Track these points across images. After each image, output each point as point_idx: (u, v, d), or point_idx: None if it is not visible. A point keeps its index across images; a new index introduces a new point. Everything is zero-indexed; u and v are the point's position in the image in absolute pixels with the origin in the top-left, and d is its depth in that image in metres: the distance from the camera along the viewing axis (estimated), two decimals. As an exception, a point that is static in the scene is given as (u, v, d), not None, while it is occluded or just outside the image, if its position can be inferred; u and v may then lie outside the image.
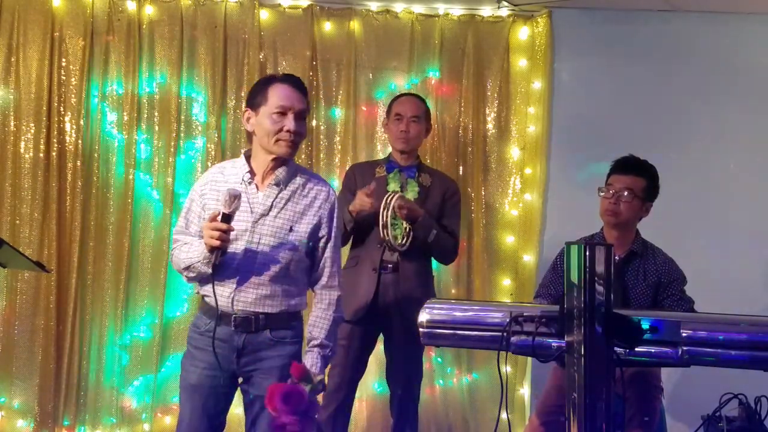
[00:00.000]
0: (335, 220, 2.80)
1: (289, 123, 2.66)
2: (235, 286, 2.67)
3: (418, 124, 3.73)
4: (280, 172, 2.73)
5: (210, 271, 2.60)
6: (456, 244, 3.79)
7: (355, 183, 3.72)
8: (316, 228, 2.76)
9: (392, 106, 3.81)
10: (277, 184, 2.72)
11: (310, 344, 2.74)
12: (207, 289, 2.69)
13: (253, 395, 2.71)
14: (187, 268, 2.70)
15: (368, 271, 3.63)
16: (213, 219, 2.55)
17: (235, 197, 2.51)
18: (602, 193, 3.24)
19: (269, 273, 2.67)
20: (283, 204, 2.72)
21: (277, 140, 2.67)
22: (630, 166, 3.24)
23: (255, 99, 2.71)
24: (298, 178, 2.77)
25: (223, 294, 2.66)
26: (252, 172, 2.73)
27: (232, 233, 2.58)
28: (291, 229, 2.71)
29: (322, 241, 2.78)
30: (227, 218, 2.53)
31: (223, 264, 2.63)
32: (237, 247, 2.65)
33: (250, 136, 2.79)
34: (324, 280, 2.80)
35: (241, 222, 2.65)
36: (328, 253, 2.79)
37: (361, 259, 3.66)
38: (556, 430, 3.11)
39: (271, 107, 2.67)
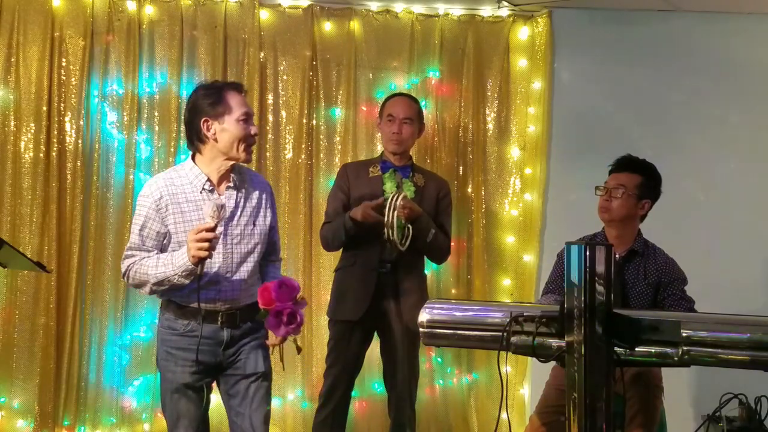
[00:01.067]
0: (274, 204, 3.04)
1: (254, 128, 2.82)
2: (219, 287, 2.80)
3: (411, 126, 3.73)
4: (234, 175, 2.87)
5: (187, 281, 2.70)
6: (450, 244, 3.81)
7: (347, 182, 3.72)
8: (269, 218, 2.97)
9: (385, 106, 3.80)
10: (234, 187, 2.86)
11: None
12: (181, 296, 2.80)
13: (243, 374, 2.86)
14: (159, 283, 2.74)
15: (366, 270, 3.63)
16: (199, 231, 2.61)
17: (222, 207, 2.65)
18: (599, 192, 3.26)
19: (246, 269, 2.86)
20: (243, 203, 2.88)
21: (246, 146, 2.80)
22: (624, 165, 3.27)
23: (214, 109, 2.76)
24: (244, 178, 2.92)
25: (208, 296, 2.77)
26: (209, 180, 2.82)
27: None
28: (254, 224, 2.89)
29: (272, 228, 3.00)
30: (212, 228, 2.62)
31: (206, 269, 2.73)
32: (215, 253, 2.73)
33: (198, 142, 2.80)
34: (274, 256, 3.07)
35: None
36: (275, 236, 3.05)
37: (359, 258, 3.66)
38: (556, 430, 3.11)
39: (236, 114, 2.77)
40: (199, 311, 2.75)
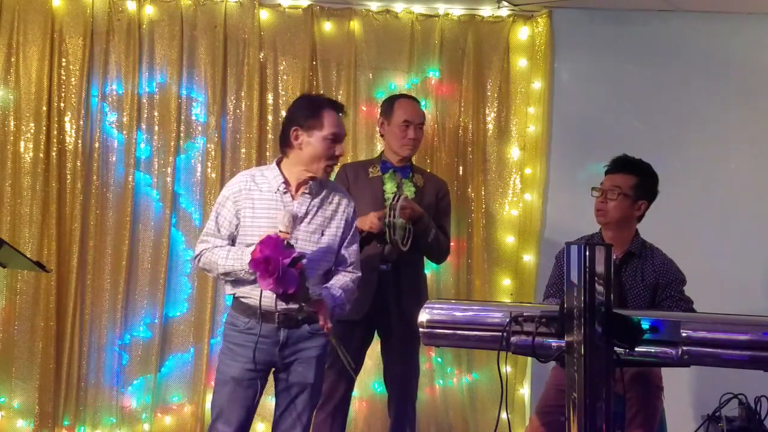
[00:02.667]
0: (355, 223, 3.12)
1: (339, 149, 2.95)
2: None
3: (422, 131, 3.78)
4: (315, 185, 2.99)
5: (253, 278, 2.80)
6: (449, 244, 3.82)
7: (347, 183, 3.72)
8: (342, 232, 3.04)
9: (395, 109, 3.76)
10: (309, 194, 2.97)
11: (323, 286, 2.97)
12: (245, 290, 2.92)
13: (291, 382, 2.98)
14: (226, 273, 2.91)
15: (367, 270, 3.62)
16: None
17: (295, 218, 2.78)
18: (595, 194, 3.25)
19: (310, 273, 2.88)
20: (315, 211, 2.98)
21: (327, 165, 2.93)
22: (619, 165, 3.25)
23: (307, 121, 2.90)
24: (324, 189, 3.03)
25: (266, 295, 2.83)
26: (286, 182, 2.95)
27: None
28: (322, 234, 2.98)
29: (346, 242, 3.07)
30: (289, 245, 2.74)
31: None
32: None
33: (286, 147, 2.95)
34: (349, 267, 3.10)
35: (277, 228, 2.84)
36: (352, 249, 3.10)
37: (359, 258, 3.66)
38: (556, 430, 3.11)
39: (325, 132, 2.90)
40: (259, 310, 2.84)
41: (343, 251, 3.07)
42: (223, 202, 2.97)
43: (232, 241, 2.97)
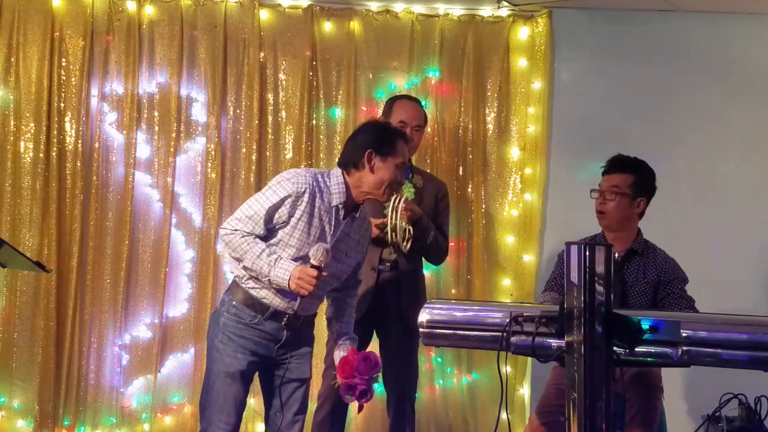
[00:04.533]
0: (367, 247, 3.20)
1: (402, 176, 3.05)
2: (293, 294, 2.87)
3: (420, 133, 3.75)
4: (362, 208, 3.07)
5: (276, 288, 2.89)
6: (447, 245, 3.82)
7: None
8: (362, 257, 3.16)
9: (394, 109, 3.76)
10: (356, 218, 3.04)
11: (343, 338, 3.13)
12: (264, 293, 2.94)
13: (289, 378, 3.01)
14: (251, 270, 2.89)
15: (365, 270, 3.62)
16: (306, 272, 2.79)
17: (327, 252, 2.82)
18: (594, 196, 3.27)
19: (324, 287, 2.99)
20: (352, 234, 3.05)
21: (390, 190, 3.00)
22: (615, 165, 3.27)
23: (383, 147, 2.95)
24: (362, 213, 3.11)
25: (283, 296, 2.92)
26: (346, 201, 2.97)
27: (307, 249, 2.87)
28: (347, 255, 3.04)
29: (359, 264, 3.16)
30: (317, 268, 2.80)
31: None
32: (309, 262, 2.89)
33: (353, 167, 2.96)
34: (355, 290, 3.21)
35: (322, 241, 2.92)
36: (360, 273, 3.21)
37: None
38: (556, 430, 3.11)
39: (397, 160, 2.96)
40: (269, 307, 2.91)
41: (360, 272, 3.21)
42: (283, 195, 2.87)
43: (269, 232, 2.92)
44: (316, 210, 2.90)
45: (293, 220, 2.88)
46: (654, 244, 3.28)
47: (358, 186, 2.96)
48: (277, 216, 2.88)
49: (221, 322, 2.98)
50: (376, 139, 2.97)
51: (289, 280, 2.80)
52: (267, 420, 3.11)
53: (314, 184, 2.91)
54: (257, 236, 2.88)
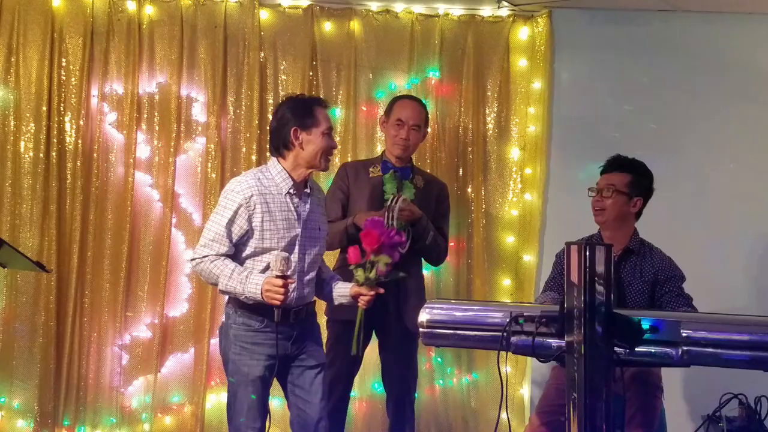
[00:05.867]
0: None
1: (333, 141, 3.08)
2: (295, 285, 2.99)
3: (418, 133, 3.73)
4: (311, 182, 3.11)
5: (251, 301, 2.94)
6: (447, 246, 3.82)
7: (347, 182, 3.72)
8: (326, 224, 3.22)
9: (394, 108, 3.77)
10: (310, 193, 3.09)
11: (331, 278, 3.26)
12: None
13: (308, 365, 3.10)
14: (226, 292, 2.99)
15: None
16: (272, 283, 2.85)
17: (287, 260, 2.89)
18: (591, 194, 3.29)
19: (314, 269, 3.11)
20: (314, 209, 3.10)
21: (327, 158, 3.04)
22: (613, 165, 3.30)
23: (304, 120, 2.99)
24: (313, 185, 3.16)
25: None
26: (294, 184, 3.02)
27: (287, 241, 2.97)
28: (319, 229, 3.12)
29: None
30: (284, 276, 2.86)
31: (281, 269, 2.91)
32: (293, 252, 3.00)
33: (284, 149, 3.01)
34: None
35: (292, 229, 3.00)
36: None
37: None
38: (557, 430, 3.11)
39: (322, 127, 3.00)
40: (273, 313, 2.90)
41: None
42: (233, 208, 2.94)
43: (238, 247, 2.99)
44: (271, 205, 2.97)
45: (256, 224, 2.94)
46: (650, 243, 3.30)
47: (296, 165, 3.02)
48: (237, 229, 2.95)
49: (231, 335, 3.02)
50: (294, 115, 3.02)
51: (260, 293, 2.87)
52: (292, 415, 3.14)
53: (256, 183, 2.98)
54: (227, 255, 2.97)
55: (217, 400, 4.39)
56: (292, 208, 3.00)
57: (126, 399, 4.37)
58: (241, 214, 2.94)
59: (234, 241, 2.96)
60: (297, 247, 3.01)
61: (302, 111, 3.01)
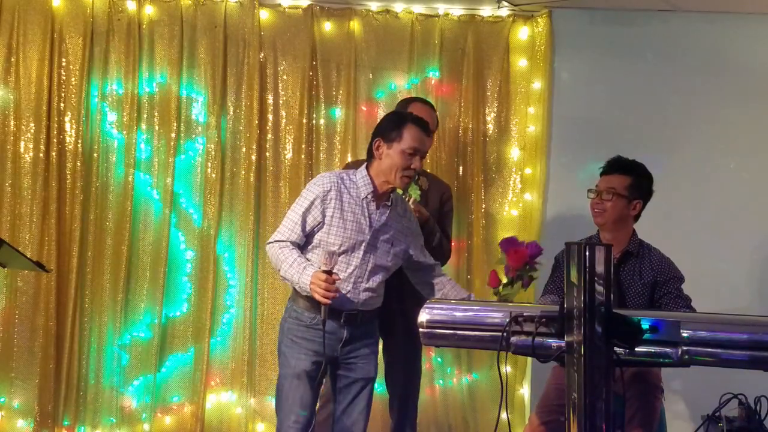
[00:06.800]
0: (417, 229, 3.30)
1: (416, 163, 3.06)
2: (349, 289, 3.06)
3: (431, 138, 3.73)
4: (395, 195, 3.18)
5: (305, 293, 3.01)
6: (450, 247, 3.83)
7: None
8: (409, 244, 3.22)
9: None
10: (390, 206, 3.14)
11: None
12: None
13: (354, 378, 3.15)
14: (285, 279, 3.06)
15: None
16: (320, 276, 2.89)
17: (332, 255, 2.91)
18: (590, 196, 3.28)
19: (376, 279, 3.12)
20: (390, 224, 3.15)
21: (403, 176, 3.06)
22: (613, 167, 3.29)
23: (390, 133, 3.06)
24: (400, 201, 3.24)
25: (340, 293, 3.00)
26: (375, 191, 3.09)
27: (352, 243, 3.04)
28: (392, 244, 3.15)
29: (417, 251, 3.26)
30: (329, 272, 2.90)
31: (339, 267, 3.00)
32: (354, 255, 3.07)
33: (371, 157, 3.11)
34: (437, 268, 3.31)
35: (361, 234, 3.06)
36: (426, 253, 3.31)
37: None
38: (556, 430, 3.11)
39: (404, 146, 3.03)
40: (324, 318, 2.95)
41: (425, 257, 3.29)
42: (311, 198, 3.05)
43: (309, 237, 3.08)
44: (345, 205, 3.05)
45: (327, 218, 3.03)
46: (649, 244, 3.29)
47: (377, 176, 3.09)
48: (311, 219, 3.05)
49: (285, 328, 3.14)
50: (383, 126, 3.12)
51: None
52: (334, 420, 3.21)
53: (339, 182, 3.07)
54: (296, 244, 3.04)
55: (216, 400, 4.39)
56: (366, 214, 3.07)
57: (126, 399, 4.37)
58: (316, 205, 3.04)
59: (307, 230, 3.05)
60: (361, 252, 3.06)
61: (391, 124, 3.09)
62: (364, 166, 3.14)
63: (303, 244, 3.08)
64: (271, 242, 3.09)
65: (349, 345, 3.11)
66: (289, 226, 3.07)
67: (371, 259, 3.09)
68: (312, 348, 3.05)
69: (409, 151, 3.03)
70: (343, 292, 3.03)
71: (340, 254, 3.01)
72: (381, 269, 3.13)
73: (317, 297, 2.90)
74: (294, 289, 3.10)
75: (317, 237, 3.06)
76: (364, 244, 3.06)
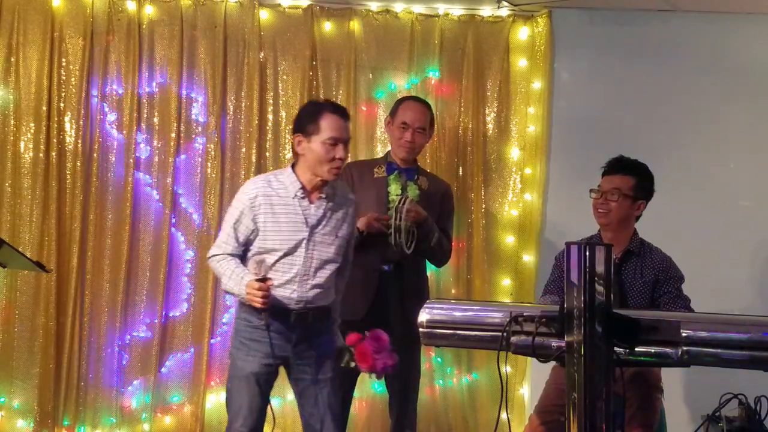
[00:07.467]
0: (353, 220, 3.25)
1: (340, 152, 2.99)
2: (295, 287, 3.02)
3: (423, 135, 3.73)
4: (328, 188, 3.08)
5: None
6: (450, 247, 3.82)
7: (352, 182, 3.72)
8: (350, 233, 3.19)
9: (399, 110, 3.75)
10: (325, 198, 3.08)
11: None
12: None
13: (312, 379, 3.08)
14: (225, 291, 3.10)
15: (368, 271, 3.62)
16: (252, 285, 2.88)
17: (261, 263, 2.90)
18: (593, 195, 3.27)
19: (323, 274, 3.07)
20: (330, 215, 3.09)
21: (330, 168, 2.99)
22: (617, 167, 3.28)
23: (308, 127, 2.99)
24: (336, 190, 3.14)
25: (283, 294, 3.00)
26: (304, 188, 3.04)
27: (291, 243, 3.00)
28: (336, 236, 3.10)
29: (351, 241, 3.23)
30: (263, 279, 2.88)
31: (283, 269, 3.00)
32: (296, 254, 3.02)
33: (296, 155, 3.08)
34: (345, 271, 3.26)
35: (298, 233, 3.01)
36: (349, 249, 3.24)
37: (360, 259, 3.66)
38: (556, 430, 3.11)
39: (323, 137, 2.97)
40: (266, 322, 2.92)
41: (348, 253, 3.23)
42: (240, 208, 3.03)
43: (247, 245, 3.05)
44: (276, 207, 3.01)
45: (260, 224, 3.00)
46: (650, 243, 3.29)
47: (304, 172, 3.04)
48: (243, 229, 3.02)
49: (235, 329, 3.12)
50: (300, 120, 3.04)
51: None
52: (303, 424, 3.17)
53: (266, 185, 3.04)
54: (235, 255, 3.03)
55: (216, 400, 4.38)
56: (300, 211, 3.02)
57: (126, 399, 4.37)
58: (245, 214, 3.00)
59: (241, 240, 3.03)
60: (303, 250, 3.02)
61: (309, 117, 3.02)
62: (291, 164, 3.11)
63: (244, 253, 3.05)
64: (210, 257, 3.08)
65: (301, 345, 3.06)
66: (223, 239, 3.05)
67: (314, 255, 3.04)
68: (261, 350, 2.99)
69: (329, 141, 2.96)
70: (288, 292, 3.00)
71: (283, 256, 2.99)
72: (327, 263, 3.08)
73: (255, 305, 2.89)
74: None
75: (256, 244, 3.03)
76: (304, 242, 3.02)
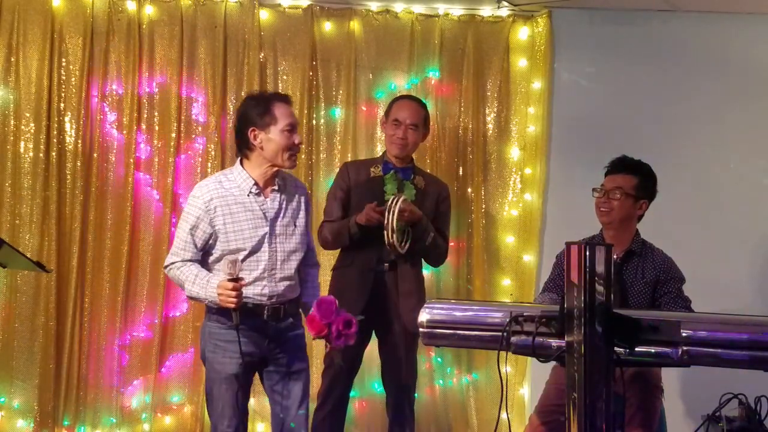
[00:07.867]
0: (309, 209, 3.25)
1: (298, 138, 3.03)
2: (265, 283, 3.01)
3: (416, 132, 3.73)
4: (279, 180, 3.08)
5: (216, 306, 2.96)
6: (447, 247, 3.82)
7: (349, 181, 3.73)
8: (308, 221, 3.18)
9: (392, 108, 3.78)
10: (279, 190, 3.07)
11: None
12: None
13: (287, 371, 3.08)
14: (192, 297, 3.05)
15: (363, 270, 3.63)
16: (225, 286, 2.84)
17: (236, 263, 2.85)
18: (596, 194, 3.28)
19: (290, 266, 3.07)
20: (285, 205, 3.08)
21: (290, 154, 3.00)
22: (620, 166, 3.29)
23: (262, 119, 2.97)
24: (285, 181, 3.13)
25: (254, 291, 2.99)
26: (257, 184, 3.02)
27: (255, 240, 2.98)
28: (295, 225, 3.10)
29: (308, 227, 3.21)
30: (235, 279, 2.85)
31: (250, 267, 2.98)
32: (261, 251, 3.00)
33: (246, 149, 3.03)
34: (311, 260, 3.26)
35: (260, 228, 3.00)
36: (310, 238, 3.24)
37: (356, 258, 3.66)
38: (556, 430, 3.11)
39: (281, 125, 2.97)
40: (237, 323, 2.88)
41: (308, 240, 3.22)
42: (195, 213, 2.99)
43: (205, 252, 3.03)
44: (233, 207, 2.98)
45: (219, 227, 2.97)
46: (651, 244, 3.30)
47: (257, 167, 3.02)
48: (200, 233, 2.99)
49: (207, 333, 3.08)
50: (251, 115, 3.00)
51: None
52: (272, 418, 3.15)
53: (218, 187, 3.00)
54: (194, 261, 3.00)
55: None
56: (257, 207, 3.01)
57: (126, 399, 4.37)
58: (202, 218, 2.98)
59: (200, 246, 3.00)
60: (266, 245, 3.01)
61: (260, 109, 3.00)
62: (238, 161, 3.07)
63: (205, 258, 3.03)
64: (167, 265, 3.04)
65: (275, 340, 3.06)
66: (180, 246, 3.01)
67: (278, 248, 3.04)
68: (237, 350, 2.94)
69: (287, 128, 2.97)
70: (260, 288, 2.99)
71: (248, 254, 2.96)
72: (292, 253, 3.08)
73: (228, 305, 2.85)
74: None
75: (218, 247, 2.99)
76: (267, 237, 3.01)
